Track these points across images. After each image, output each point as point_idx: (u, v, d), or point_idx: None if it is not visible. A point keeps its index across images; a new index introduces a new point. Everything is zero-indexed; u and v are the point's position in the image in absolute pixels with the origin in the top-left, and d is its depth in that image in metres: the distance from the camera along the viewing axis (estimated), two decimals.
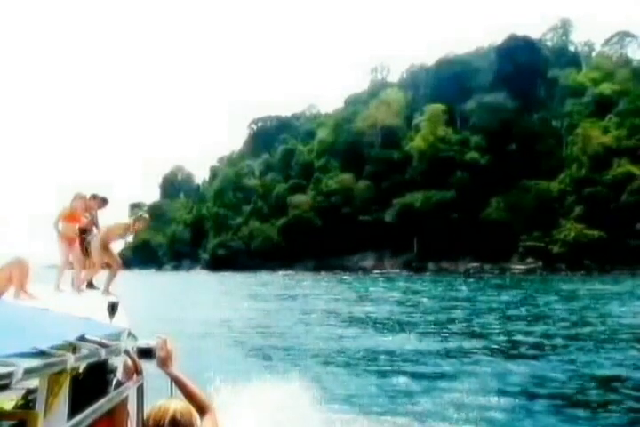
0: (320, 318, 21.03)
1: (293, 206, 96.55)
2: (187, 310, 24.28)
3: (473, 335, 15.87)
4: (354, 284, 48.10)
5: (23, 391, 2.68)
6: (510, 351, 12.99)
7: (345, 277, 63.36)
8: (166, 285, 51.60)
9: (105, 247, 6.69)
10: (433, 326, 18.13)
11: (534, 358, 12.08)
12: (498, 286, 42.95)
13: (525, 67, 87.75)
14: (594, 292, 33.63)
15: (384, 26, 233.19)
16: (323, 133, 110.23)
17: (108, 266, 6.76)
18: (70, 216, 6.94)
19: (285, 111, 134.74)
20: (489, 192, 79.53)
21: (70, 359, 1.61)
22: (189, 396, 2.44)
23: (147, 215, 7.41)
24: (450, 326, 18.27)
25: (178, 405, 2.30)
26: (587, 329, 17.18)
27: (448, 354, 12.69)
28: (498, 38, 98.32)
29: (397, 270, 77.11)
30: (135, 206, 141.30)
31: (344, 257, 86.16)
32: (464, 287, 42.31)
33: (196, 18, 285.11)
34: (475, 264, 74.45)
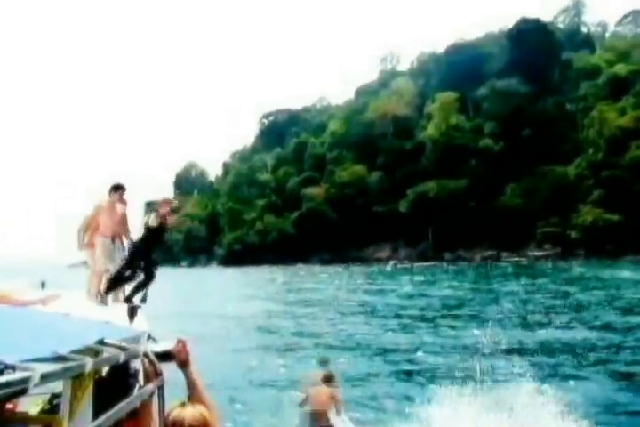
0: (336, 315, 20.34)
1: (307, 199, 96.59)
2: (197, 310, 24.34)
3: (505, 329, 15.02)
4: (369, 278, 47.76)
5: (48, 396, 2.72)
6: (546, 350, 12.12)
7: (355, 268, 62.49)
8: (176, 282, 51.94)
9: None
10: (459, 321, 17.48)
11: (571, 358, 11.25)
12: (517, 274, 42.53)
13: (537, 50, 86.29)
14: (621, 278, 32.97)
15: (392, 15, 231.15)
16: (334, 125, 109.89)
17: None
18: (96, 225, 6.73)
19: (296, 104, 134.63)
20: (504, 179, 78.76)
21: (89, 363, 1.63)
22: (199, 401, 2.46)
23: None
24: (481, 320, 17.71)
25: (195, 412, 2.31)
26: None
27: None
28: (508, 23, 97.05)
29: (414, 260, 76.67)
30: (150, 204, 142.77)
31: (359, 249, 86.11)
32: (483, 276, 42.08)
33: (207, 14, 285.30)
34: (492, 252, 73.92)
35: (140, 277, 6.25)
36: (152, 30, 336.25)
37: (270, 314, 20.75)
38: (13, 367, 1.21)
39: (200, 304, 25.82)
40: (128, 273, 6.18)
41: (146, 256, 6.34)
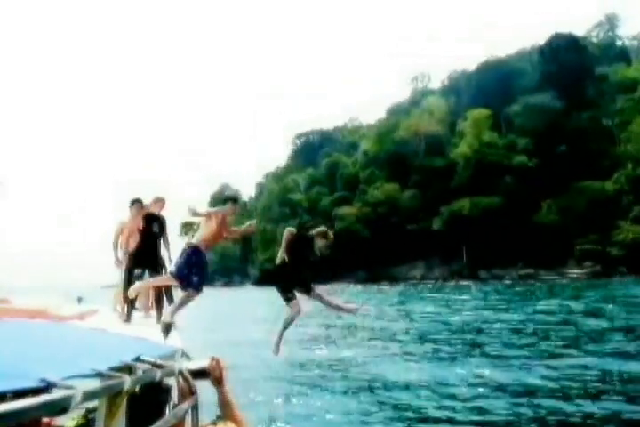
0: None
1: (340, 219, 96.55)
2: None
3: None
4: (399, 298, 47.01)
5: (83, 411, 2.76)
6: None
7: (385, 287, 61.23)
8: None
9: None
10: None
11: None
12: (556, 293, 41.18)
13: (571, 65, 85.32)
14: None
15: (423, 34, 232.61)
16: (366, 145, 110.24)
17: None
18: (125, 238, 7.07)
19: (328, 124, 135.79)
20: (539, 196, 77.31)
21: (127, 381, 1.64)
22: (232, 420, 2.45)
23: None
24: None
25: None
26: None
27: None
28: (540, 39, 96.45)
29: (448, 279, 75.38)
30: (187, 225, 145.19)
31: (393, 267, 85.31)
32: (522, 296, 40.94)
33: (237, 32, 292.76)
34: (528, 270, 72.11)
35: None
36: (178, 52, 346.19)
37: (300, 339, 19.85)
38: (55, 385, 1.22)
39: (228, 326, 25.45)
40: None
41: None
